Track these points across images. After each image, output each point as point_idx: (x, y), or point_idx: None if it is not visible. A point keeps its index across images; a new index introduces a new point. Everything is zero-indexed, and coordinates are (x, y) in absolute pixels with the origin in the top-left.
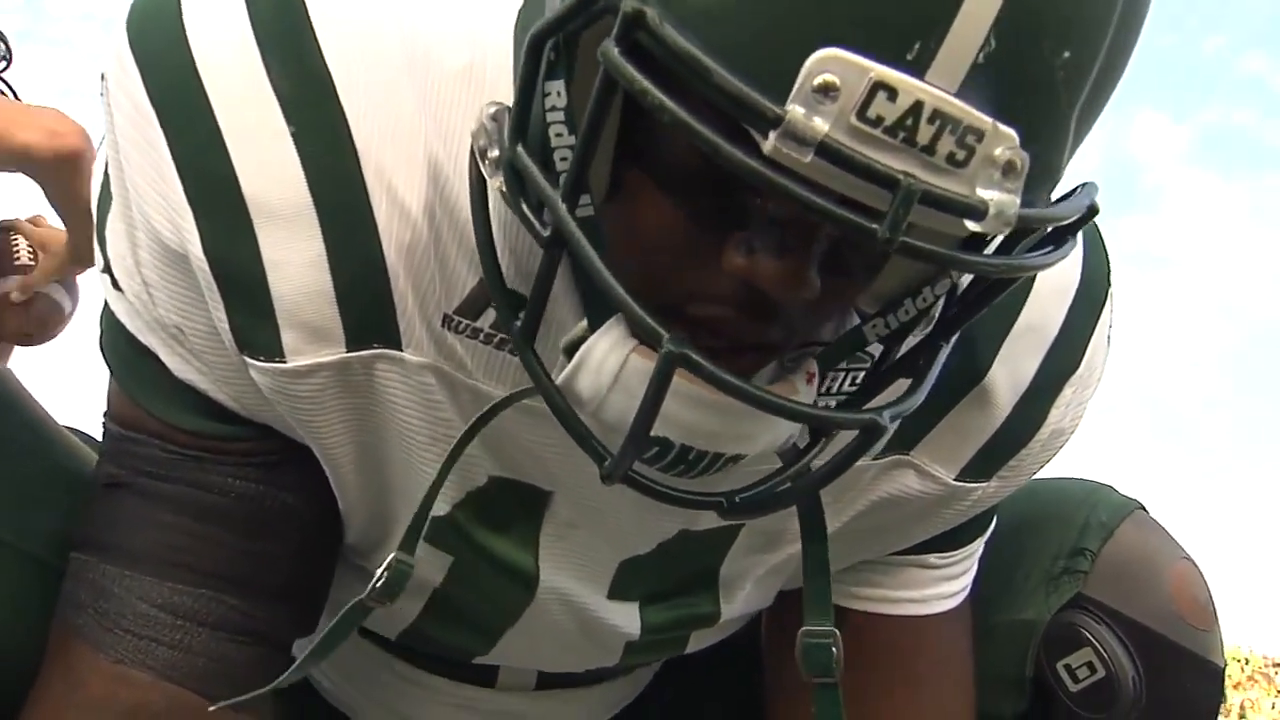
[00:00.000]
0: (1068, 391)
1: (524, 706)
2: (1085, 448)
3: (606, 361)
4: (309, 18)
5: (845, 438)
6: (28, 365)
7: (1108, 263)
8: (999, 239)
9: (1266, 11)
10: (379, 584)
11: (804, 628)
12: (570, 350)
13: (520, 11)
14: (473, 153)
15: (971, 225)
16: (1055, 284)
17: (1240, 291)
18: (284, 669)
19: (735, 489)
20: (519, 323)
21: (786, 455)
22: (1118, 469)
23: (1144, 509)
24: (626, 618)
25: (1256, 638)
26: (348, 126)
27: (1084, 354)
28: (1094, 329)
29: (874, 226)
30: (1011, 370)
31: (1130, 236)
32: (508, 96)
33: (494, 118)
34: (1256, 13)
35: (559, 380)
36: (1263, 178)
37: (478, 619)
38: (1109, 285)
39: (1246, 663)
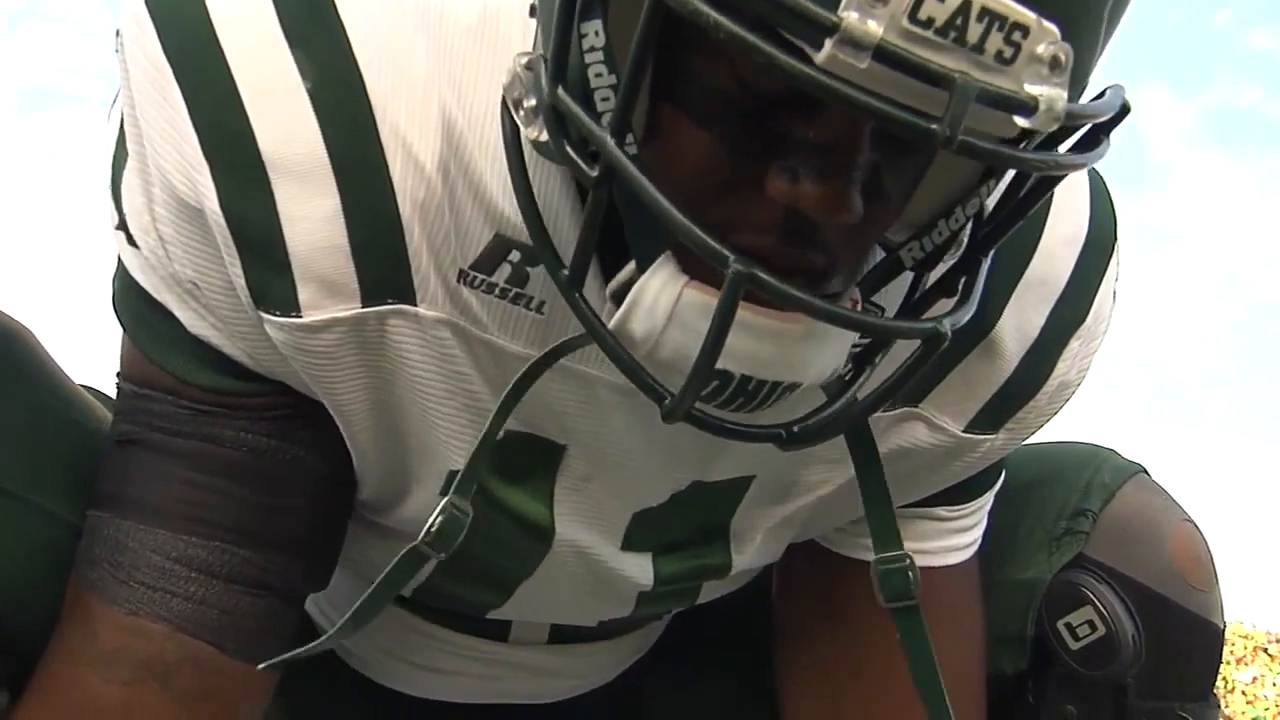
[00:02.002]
0: (1074, 344)
1: (537, 659)
2: (1089, 419)
3: (660, 299)
4: None
5: (884, 371)
6: (39, 327)
7: (1114, 213)
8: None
9: None
10: (434, 529)
11: (876, 556)
12: (619, 295)
13: None
14: (505, 106)
15: (1022, 121)
16: (1063, 235)
17: (1245, 268)
18: (296, 623)
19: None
20: (566, 271)
21: (831, 389)
22: (1120, 441)
23: (1146, 472)
24: (639, 568)
25: (1259, 613)
26: (362, 82)
27: (1091, 306)
28: (1101, 280)
29: (933, 127)
30: (1019, 322)
31: (1137, 212)
32: (522, 49)
33: (528, 66)
34: None
35: (612, 324)
36: (1269, 155)
37: (494, 572)
38: (1116, 236)
39: (1248, 638)
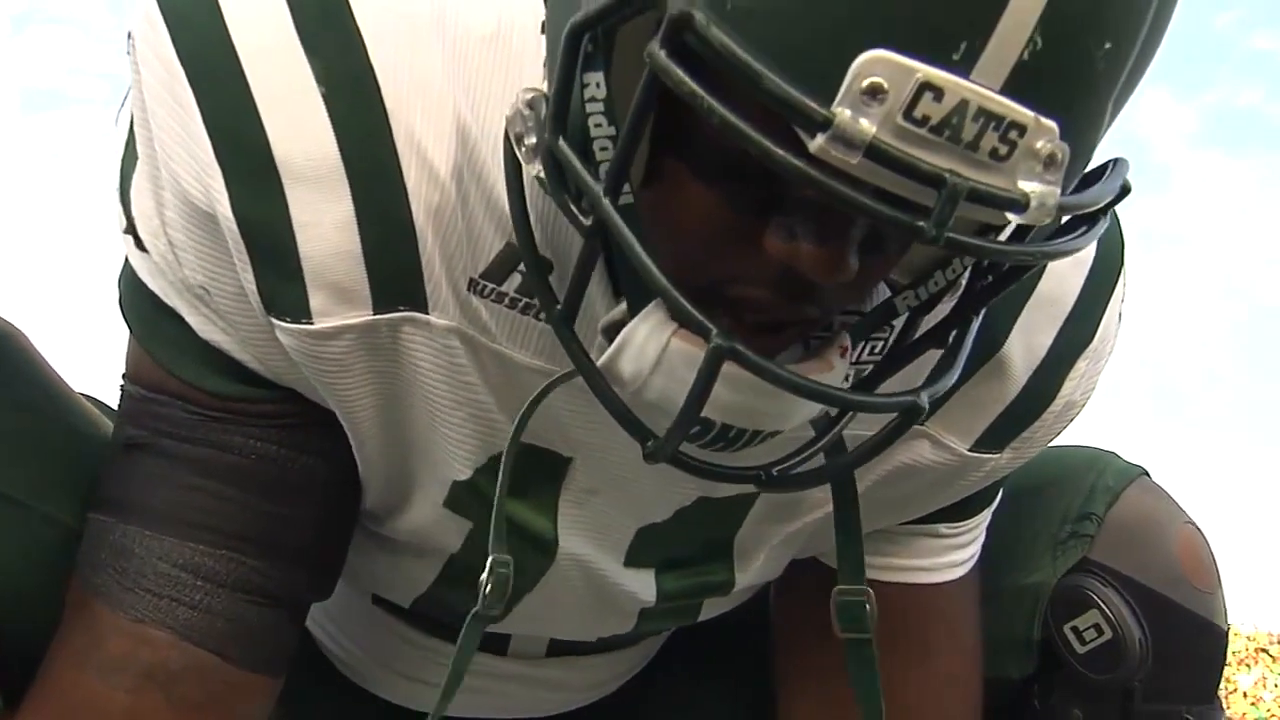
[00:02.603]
0: (1081, 364)
1: (534, 673)
2: (1090, 420)
3: (648, 345)
4: None
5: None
6: (42, 331)
7: (1121, 236)
8: None
9: None
10: (487, 591)
11: (838, 586)
12: (610, 332)
13: None
14: (507, 136)
15: (1014, 218)
16: (1072, 257)
17: (1246, 269)
18: (299, 633)
19: (770, 461)
20: (560, 307)
21: (819, 424)
22: (1120, 441)
23: (1148, 474)
24: (642, 585)
25: (1260, 614)
26: (378, 88)
27: (1098, 327)
28: (1108, 302)
29: (921, 224)
30: (1027, 343)
31: (1138, 214)
32: (535, 63)
33: (530, 105)
34: None
35: (600, 362)
36: (1270, 156)
37: None
38: (1123, 258)
39: (1251, 640)
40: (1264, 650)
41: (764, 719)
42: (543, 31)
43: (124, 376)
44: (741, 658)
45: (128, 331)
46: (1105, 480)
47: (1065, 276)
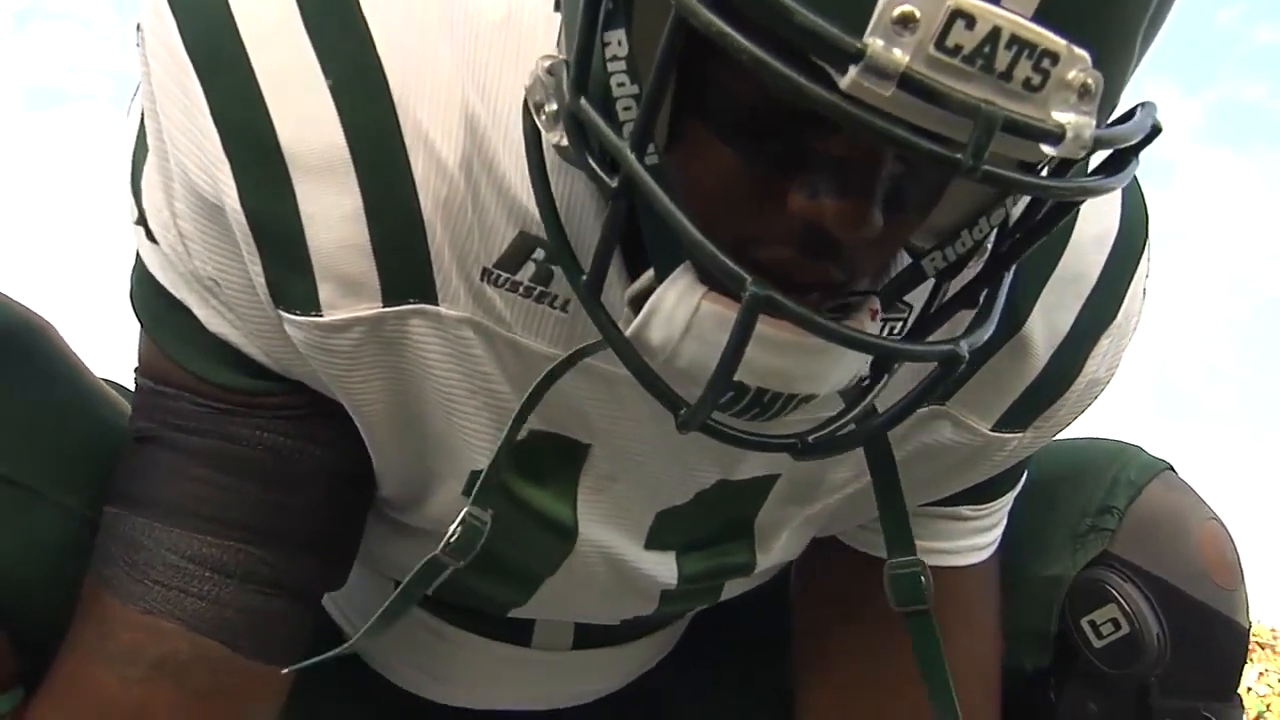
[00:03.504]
0: (1105, 342)
1: (559, 664)
2: (1091, 416)
3: (678, 310)
4: None
5: (903, 379)
6: (67, 319)
7: (1146, 210)
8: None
9: None
10: (453, 539)
11: (888, 560)
12: (637, 302)
13: None
14: (526, 107)
15: (1048, 149)
16: (1094, 232)
17: (1249, 264)
18: (312, 622)
19: (802, 431)
20: (585, 277)
21: (849, 395)
22: (1122, 437)
23: (1172, 469)
24: (663, 567)
25: (1261, 609)
26: (384, 78)
27: (1122, 304)
28: (1132, 278)
29: (957, 157)
30: (1049, 320)
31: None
32: (547, 46)
33: (550, 71)
34: None
35: (629, 332)
36: (1274, 151)
37: (516, 570)
38: (1147, 234)
39: (1254, 635)
40: (1263, 645)
41: (780, 708)
42: (556, 9)
43: (135, 369)
44: (758, 645)
45: (138, 324)
46: (1128, 474)
47: (1087, 254)
